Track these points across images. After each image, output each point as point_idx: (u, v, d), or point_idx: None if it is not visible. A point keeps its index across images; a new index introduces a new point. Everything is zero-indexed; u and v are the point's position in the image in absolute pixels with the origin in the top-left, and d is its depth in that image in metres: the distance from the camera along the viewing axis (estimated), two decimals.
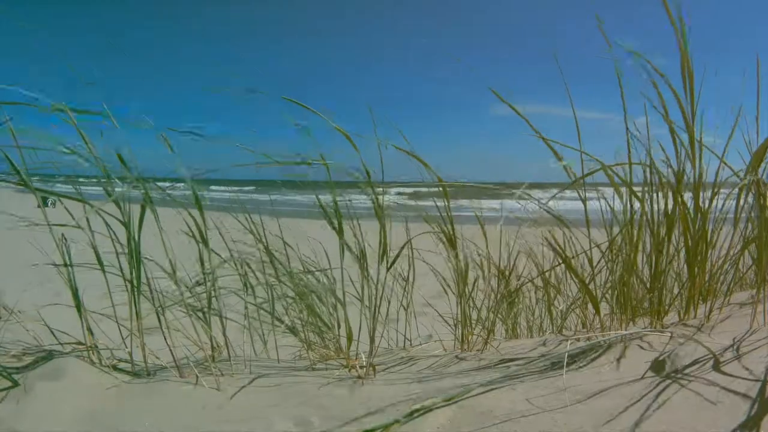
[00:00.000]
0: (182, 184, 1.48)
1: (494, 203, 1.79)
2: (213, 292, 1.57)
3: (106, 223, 1.45)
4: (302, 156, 1.49)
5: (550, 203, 1.59)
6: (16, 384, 1.32)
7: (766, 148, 1.42)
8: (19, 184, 1.36)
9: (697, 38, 1.37)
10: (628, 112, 1.46)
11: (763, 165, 1.44)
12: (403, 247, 1.62)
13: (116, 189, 1.44)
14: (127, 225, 1.45)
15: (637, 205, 1.53)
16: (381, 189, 1.53)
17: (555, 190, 1.42)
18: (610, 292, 1.63)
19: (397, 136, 1.54)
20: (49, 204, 1.55)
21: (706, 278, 1.54)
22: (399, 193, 1.51)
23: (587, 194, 1.54)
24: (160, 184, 1.52)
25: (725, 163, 1.48)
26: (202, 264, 1.59)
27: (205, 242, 1.52)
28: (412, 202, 1.63)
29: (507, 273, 2.02)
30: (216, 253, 1.55)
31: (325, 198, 1.60)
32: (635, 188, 1.53)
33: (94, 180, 1.46)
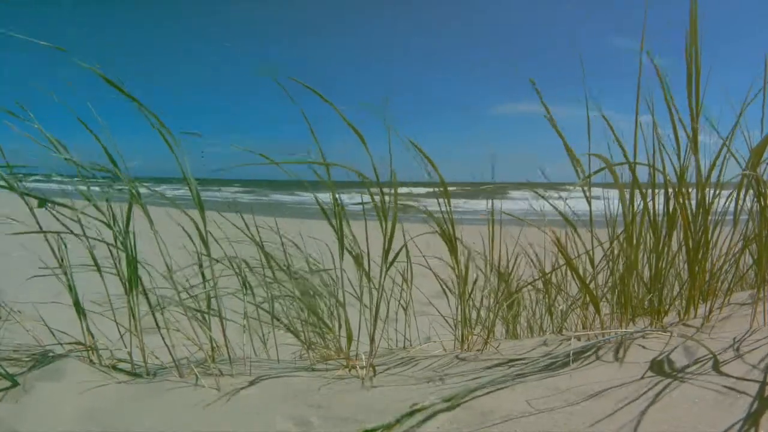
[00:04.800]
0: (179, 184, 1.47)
1: (495, 203, 1.79)
2: (212, 293, 1.57)
3: (84, 227, 1.45)
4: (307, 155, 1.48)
5: (556, 203, 1.59)
6: (16, 384, 1.32)
7: (765, 145, 1.42)
8: (9, 188, 1.37)
9: (700, 38, 1.38)
10: (626, 111, 1.46)
11: (763, 166, 1.44)
12: (402, 247, 1.61)
13: (110, 190, 1.44)
14: (110, 225, 1.45)
15: (638, 204, 1.53)
16: (388, 189, 1.52)
17: (556, 191, 1.42)
18: (610, 292, 1.63)
19: (401, 135, 1.53)
20: (47, 206, 1.54)
21: (707, 278, 1.54)
22: (408, 193, 1.50)
23: (591, 194, 1.55)
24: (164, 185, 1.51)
25: (731, 152, 1.47)
26: (201, 265, 1.59)
27: (205, 243, 1.52)
28: (412, 203, 1.63)
29: (508, 274, 2.02)
30: (217, 260, 1.55)
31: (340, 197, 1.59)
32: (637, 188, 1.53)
33: (79, 180, 1.46)
